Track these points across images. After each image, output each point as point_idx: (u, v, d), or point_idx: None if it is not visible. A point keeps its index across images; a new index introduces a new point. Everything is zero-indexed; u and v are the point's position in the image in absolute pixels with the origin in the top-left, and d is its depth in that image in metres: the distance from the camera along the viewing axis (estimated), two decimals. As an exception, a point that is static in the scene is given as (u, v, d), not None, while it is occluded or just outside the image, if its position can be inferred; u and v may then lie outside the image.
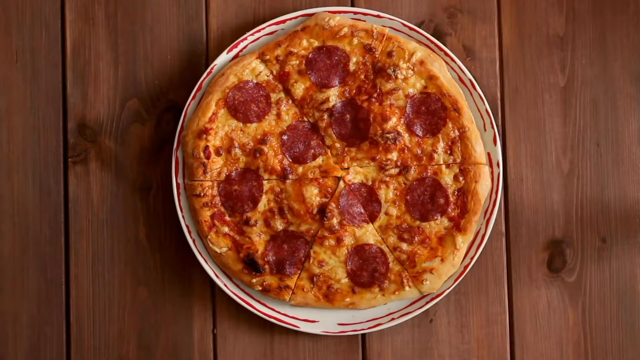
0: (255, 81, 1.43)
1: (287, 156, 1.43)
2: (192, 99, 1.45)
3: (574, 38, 1.49)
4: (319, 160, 1.44)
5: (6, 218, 1.48)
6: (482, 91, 1.45)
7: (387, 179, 1.43)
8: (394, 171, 1.43)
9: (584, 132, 1.48)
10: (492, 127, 1.44)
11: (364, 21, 1.45)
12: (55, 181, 1.48)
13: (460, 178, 1.42)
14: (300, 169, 1.44)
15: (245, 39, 1.45)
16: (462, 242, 1.42)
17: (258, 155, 1.42)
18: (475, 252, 1.43)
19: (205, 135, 1.41)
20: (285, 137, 1.43)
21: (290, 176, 1.43)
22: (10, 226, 1.48)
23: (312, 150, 1.44)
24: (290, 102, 1.43)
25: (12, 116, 1.49)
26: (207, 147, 1.42)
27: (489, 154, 1.44)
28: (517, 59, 1.48)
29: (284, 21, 1.45)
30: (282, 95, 1.43)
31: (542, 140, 1.48)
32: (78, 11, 1.50)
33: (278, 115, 1.43)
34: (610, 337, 1.46)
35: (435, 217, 1.42)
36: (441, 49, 1.44)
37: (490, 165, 1.44)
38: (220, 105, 1.42)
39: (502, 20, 1.49)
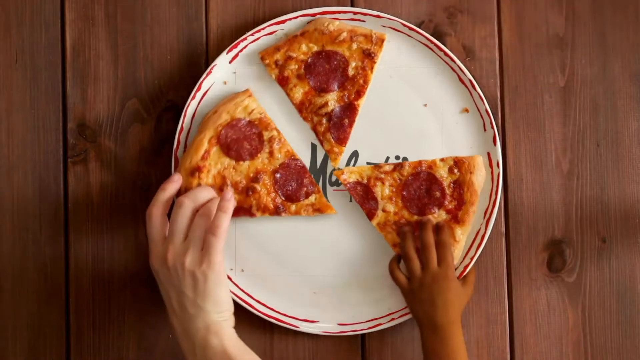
0: (247, 119, 1.43)
1: (280, 194, 1.43)
2: (191, 99, 1.45)
3: (574, 38, 1.49)
4: (312, 198, 1.44)
5: (6, 218, 1.48)
6: (482, 91, 1.45)
7: (382, 175, 1.43)
8: (388, 168, 1.44)
9: (584, 132, 1.48)
10: (492, 127, 1.44)
11: (364, 26, 1.45)
12: (55, 181, 1.48)
13: (455, 170, 1.43)
14: (293, 207, 1.44)
15: (245, 39, 1.45)
16: (461, 233, 1.42)
17: (251, 193, 1.42)
18: (475, 253, 1.43)
19: (198, 173, 1.41)
20: (278, 175, 1.43)
21: (283, 214, 1.43)
22: (10, 226, 1.48)
23: (305, 189, 1.44)
24: (282, 139, 1.43)
25: (12, 116, 1.49)
26: (199, 185, 1.41)
27: (488, 154, 1.45)
28: (516, 59, 1.48)
29: (283, 21, 1.45)
30: (275, 133, 1.43)
31: (542, 140, 1.48)
32: (78, 11, 1.50)
33: (270, 153, 1.43)
34: (610, 337, 1.46)
35: (433, 211, 1.43)
36: (441, 49, 1.44)
37: (490, 166, 1.44)
38: (212, 143, 1.42)
39: (502, 20, 1.49)
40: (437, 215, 1.43)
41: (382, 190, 1.44)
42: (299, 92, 1.44)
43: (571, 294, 1.46)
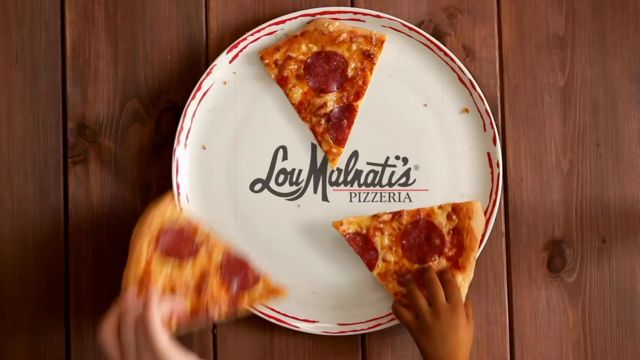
0: (177, 225, 1.38)
1: (232, 288, 1.40)
2: (191, 99, 1.45)
3: (574, 38, 1.49)
4: (261, 284, 1.41)
5: (6, 218, 1.48)
6: (482, 91, 1.45)
7: (381, 225, 1.43)
8: (387, 217, 1.43)
9: (584, 132, 1.48)
10: (492, 127, 1.44)
11: (364, 27, 1.45)
12: (55, 181, 1.49)
13: (454, 217, 1.42)
14: (246, 297, 1.40)
15: (245, 39, 1.45)
16: (463, 279, 1.41)
17: (203, 292, 1.37)
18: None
19: (145, 283, 1.35)
20: (223, 271, 1.39)
21: (239, 306, 1.39)
22: (10, 226, 1.48)
23: (251, 277, 1.40)
24: (213, 241, 1.39)
25: (12, 116, 1.49)
26: None
27: (488, 154, 1.45)
28: (516, 59, 1.48)
29: (283, 21, 1.45)
30: (204, 235, 1.38)
31: (542, 140, 1.48)
32: (78, 11, 1.50)
33: (208, 254, 1.39)
34: (610, 337, 1.46)
35: (433, 258, 1.42)
36: (441, 49, 1.44)
37: (490, 165, 1.44)
38: (151, 249, 1.37)
39: (502, 20, 1.48)
40: (438, 263, 1.42)
41: (382, 240, 1.43)
42: (298, 93, 1.44)
43: (571, 294, 1.46)
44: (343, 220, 1.43)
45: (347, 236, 1.43)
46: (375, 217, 1.43)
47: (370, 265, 1.43)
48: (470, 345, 1.36)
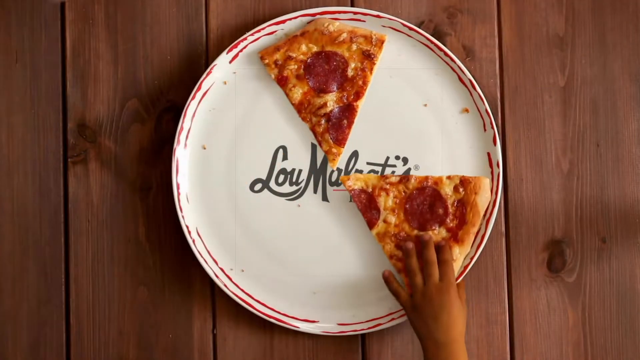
0: None
1: None
2: (191, 99, 1.45)
3: (574, 38, 1.49)
4: None
5: (6, 218, 1.48)
6: (482, 91, 1.45)
7: (388, 186, 1.43)
8: (394, 179, 1.43)
9: (584, 132, 1.48)
10: (492, 127, 1.44)
11: (364, 27, 1.45)
12: (55, 181, 1.49)
13: (460, 189, 1.42)
14: None
15: (245, 39, 1.46)
16: (459, 253, 1.41)
17: None
18: (475, 252, 1.43)
19: None
20: None
21: None
22: (10, 226, 1.48)
23: None
24: None
25: (12, 116, 1.49)
26: None
27: (488, 154, 1.44)
28: (516, 59, 1.48)
29: (283, 21, 1.45)
30: None
31: (542, 140, 1.48)
32: (78, 11, 1.50)
33: None
34: (610, 337, 1.46)
35: (434, 227, 1.42)
36: (441, 49, 1.44)
37: (490, 165, 1.44)
38: None
39: (502, 20, 1.49)
40: (437, 233, 1.42)
41: (386, 201, 1.44)
42: (298, 93, 1.44)
43: (571, 294, 1.46)
44: (351, 175, 1.44)
45: (353, 192, 1.43)
46: (383, 177, 1.44)
47: (371, 224, 1.43)
48: (464, 325, 1.36)
